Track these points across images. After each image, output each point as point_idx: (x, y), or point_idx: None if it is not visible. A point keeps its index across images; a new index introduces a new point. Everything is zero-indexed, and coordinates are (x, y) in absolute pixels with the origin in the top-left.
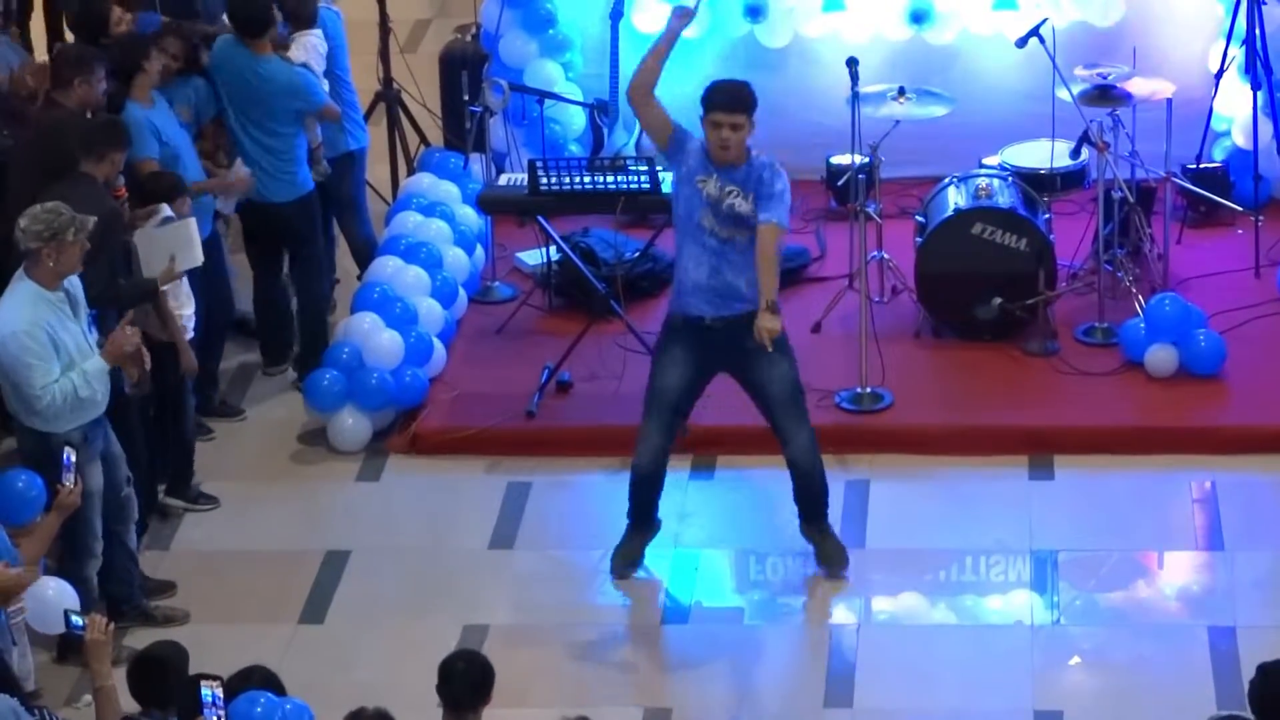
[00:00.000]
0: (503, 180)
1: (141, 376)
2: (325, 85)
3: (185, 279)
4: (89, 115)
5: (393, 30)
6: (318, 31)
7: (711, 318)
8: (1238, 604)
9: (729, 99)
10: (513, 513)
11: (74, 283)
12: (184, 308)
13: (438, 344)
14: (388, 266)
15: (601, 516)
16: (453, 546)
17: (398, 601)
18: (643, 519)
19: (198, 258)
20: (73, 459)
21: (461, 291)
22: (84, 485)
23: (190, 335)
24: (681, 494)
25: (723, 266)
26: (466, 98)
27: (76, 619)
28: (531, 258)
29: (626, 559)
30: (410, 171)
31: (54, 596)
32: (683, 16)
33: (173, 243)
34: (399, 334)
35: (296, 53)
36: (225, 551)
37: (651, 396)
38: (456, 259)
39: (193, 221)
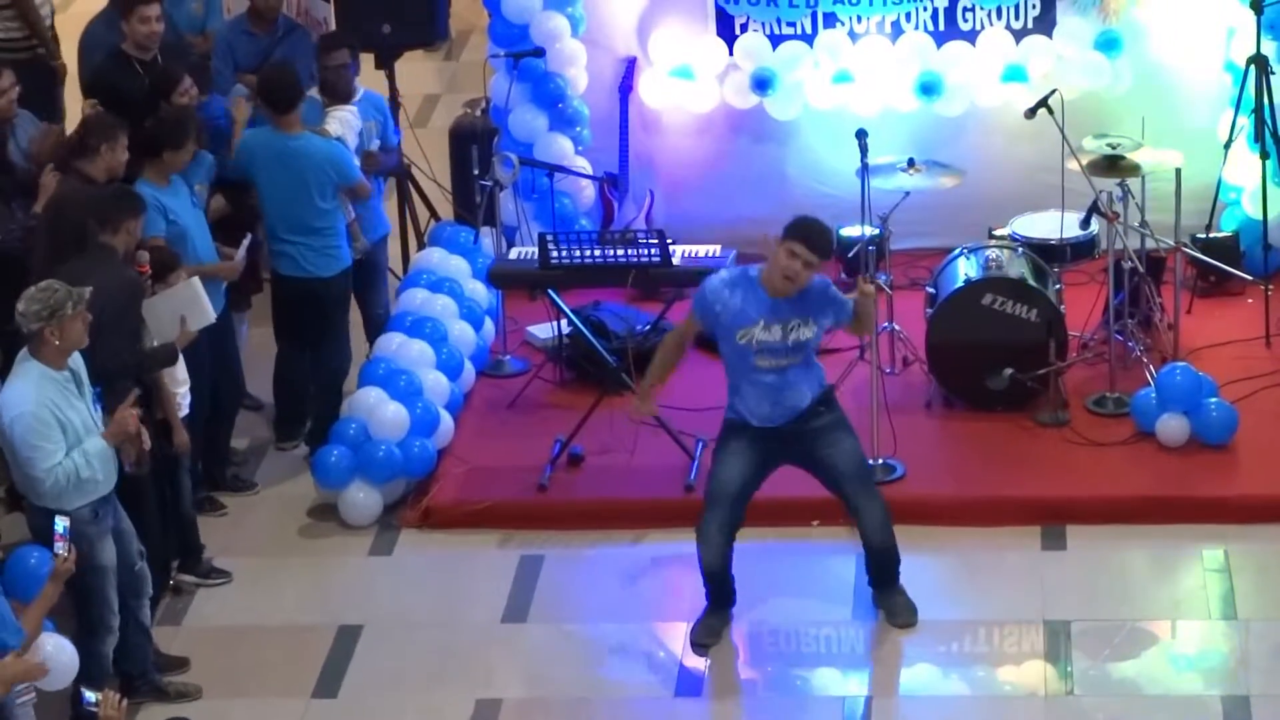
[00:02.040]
0: (513, 254)
1: (140, 456)
2: (356, 162)
3: (181, 356)
4: (108, 183)
5: (402, 105)
6: (353, 108)
7: (780, 424)
8: (1251, 673)
9: (817, 239)
10: (525, 586)
11: (77, 360)
12: (179, 385)
13: (445, 414)
14: (393, 342)
15: (614, 590)
16: (466, 620)
17: (411, 675)
18: (721, 601)
19: (209, 315)
20: (68, 528)
21: (469, 365)
22: (97, 561)
23: (185, 413)
24: (695, 566)
25: (784, 395)
26: (476, 172)
27: (90, 694)
28: (542, 331)
29: (710, 632)
30: (421, 246)
31: (53, 651)
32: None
33: (179, 305)
34: (404, 406)
35: (332, 126)
36: (238, 626)
37: (713, 492)
38: (463, 333)
39: (196, 281)
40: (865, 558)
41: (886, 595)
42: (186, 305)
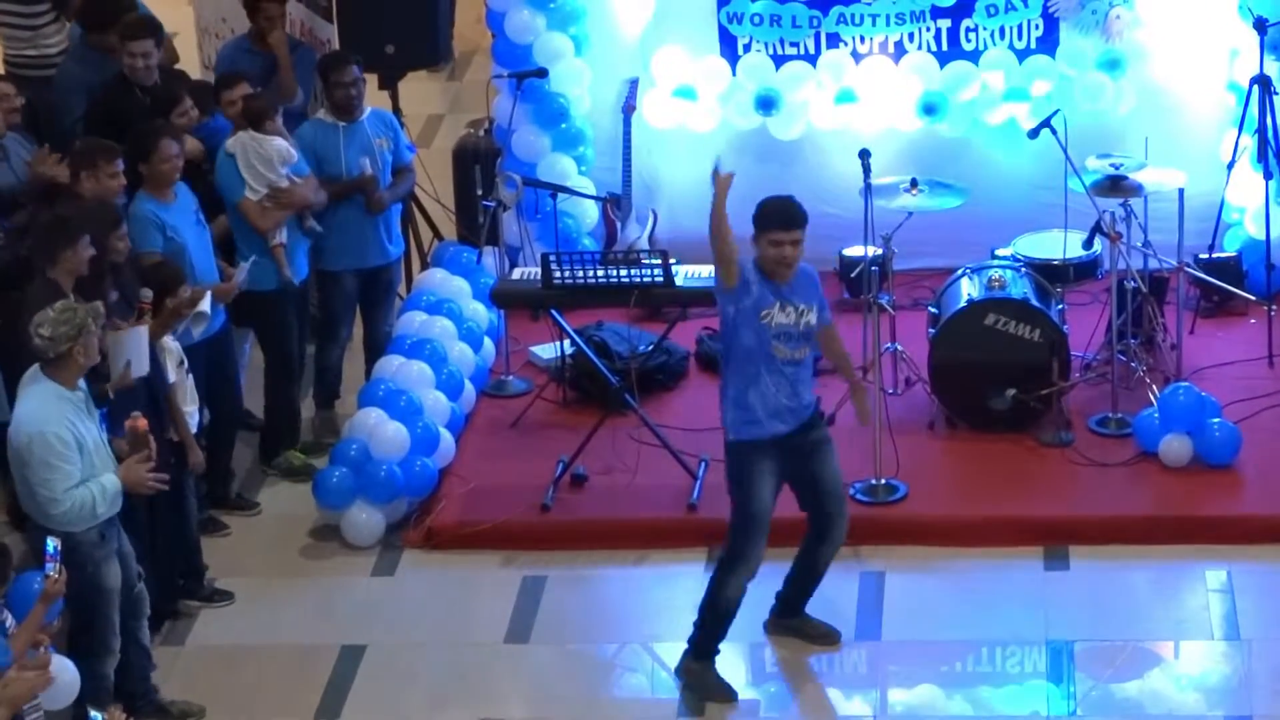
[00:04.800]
0: (516, 274)
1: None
2: (261, 189)
3: (191, 377)
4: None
5: (406, 126)
6: (260, 137)
7: (790, 430)
8: (1254, 694)
9: (787, 217)
10: (528, 607)
11: (83, 383)
12: (187, 405)
13: (445, 433)
14: (392, 364)
15: (617, 610)
16: (468, 641)
17: (414, 696)
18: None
19: (144, 367)
20: (58, 548)
21: (469, 385)
22: (102, 583)
23: (192, 433)
24: (698, 587)
25: (799, 387)
26: (480, 192)
27: (96, 714)
28: (545, 351)
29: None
30: (424, 266)
31: (55, 671)
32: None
33: (126, 349)
34: (404, 425)
35: (230, 143)
36: (241, 647)
37: (755, 516)
38: (463, 354)
39: (142, 330)
40: (796, 577)
41: (803, 621)
42: (133, 352)
